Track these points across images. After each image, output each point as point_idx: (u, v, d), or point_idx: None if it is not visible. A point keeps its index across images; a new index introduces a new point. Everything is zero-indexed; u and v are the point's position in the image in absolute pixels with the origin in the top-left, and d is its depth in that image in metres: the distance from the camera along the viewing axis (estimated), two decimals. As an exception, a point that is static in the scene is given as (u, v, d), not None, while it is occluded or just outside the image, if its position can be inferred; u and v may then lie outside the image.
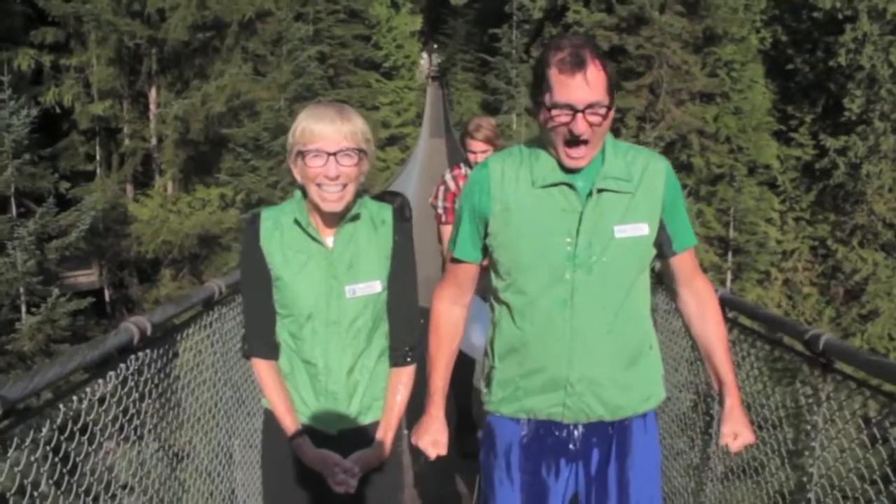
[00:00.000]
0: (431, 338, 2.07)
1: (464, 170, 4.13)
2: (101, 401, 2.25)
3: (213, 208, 15.79)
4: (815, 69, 25.54)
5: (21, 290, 10.39)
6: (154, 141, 16.88)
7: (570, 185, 1.85)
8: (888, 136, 22.92)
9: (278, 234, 2.02)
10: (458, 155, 20.78)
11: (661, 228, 1.91)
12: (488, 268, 2.02)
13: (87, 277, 16.13)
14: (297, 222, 2.01)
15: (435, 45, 55.44)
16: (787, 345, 2.48)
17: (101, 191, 15.62)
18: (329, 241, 2.01)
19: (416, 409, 2.12)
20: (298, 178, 1.98)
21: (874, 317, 22.29)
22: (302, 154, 1.92)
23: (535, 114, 1.87)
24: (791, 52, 26.31)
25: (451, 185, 4.14)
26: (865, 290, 22.66)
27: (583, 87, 1.75)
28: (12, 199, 11.39)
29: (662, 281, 2.62)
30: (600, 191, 1.84)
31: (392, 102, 34.61)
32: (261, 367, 2.08)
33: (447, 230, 4.10)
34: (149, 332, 2.25)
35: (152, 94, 16.70)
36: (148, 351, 2.31)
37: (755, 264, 24.39)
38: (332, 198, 1.92)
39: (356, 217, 2.02)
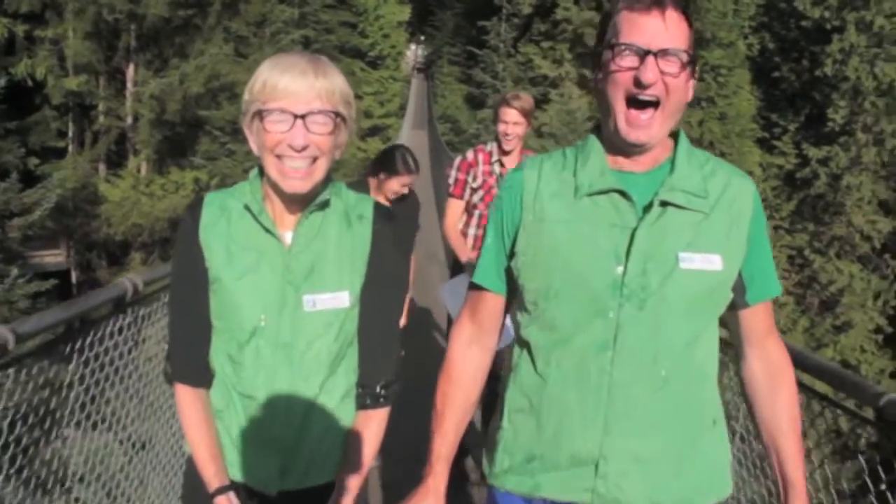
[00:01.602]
0: (440, 386, 1.59)
1: (488, 146, 3.94)
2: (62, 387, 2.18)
3: (186, 192, 15.40)
4: (801, 78, 25.57)
5: (-22, 268, 10.01)
6: (129, 120, 16.43)
7: (624, 194, 1.43)
8: (870, 149, 22.97)
9: (224, 222, 1.55)
10: (440, 148, 20.61)
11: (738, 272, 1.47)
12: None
13: (54, 258, 15.71)
14: (247, 208, 1.54)
15: (422, 37, 55.05)
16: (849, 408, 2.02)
17: (72, 169, 15.19)
18: (287, 235, 1.54)
19: (388, 468, 1.73)
20: (254, 147, 1.51)
21: (847, 328, 22.34)
22: (260, 115, 1.45)
23: (591, 80, 1.48)
24: (778, 60, 26.32)
25: (469, 155, 3.96)
26: (840, 302, 22.70)
27: (657, 27, 1.37)
28: (-26, 173, 10.98)
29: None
30: (664, 204, 1.41)
31: (376, 92, 34.24)
32: (184, 396, 1.58)
33: (452, 204, 3.97)
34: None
35: (129, 71, 16.25)
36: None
37: (733, 271, 24.36)
38: (297, 173, 1.45)
39: (325, 205, 1.55)
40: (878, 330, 21.96)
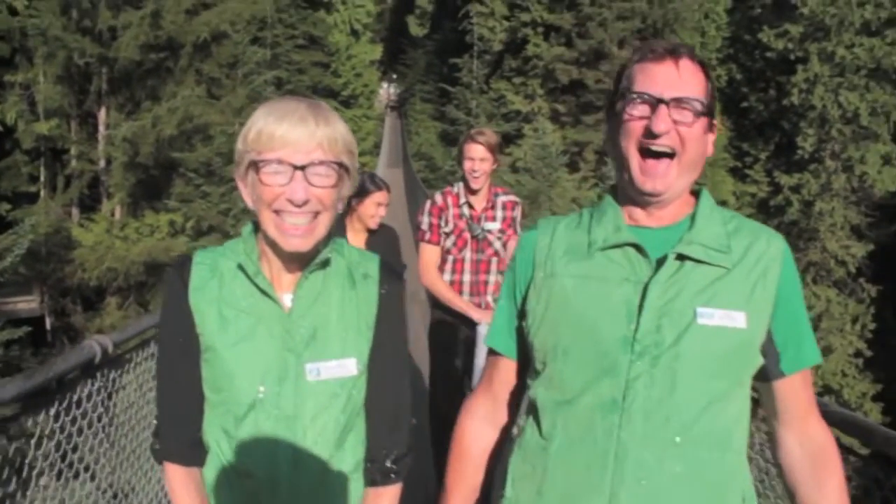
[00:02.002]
0: (450, 463, 1.51)
1: (455, 188, 3.77)
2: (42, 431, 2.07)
3: (161, 235, 15.21)
4: (769, 107, 26.07)
5: (-51, 317, 9.77)
6: (102, 163, 16.26)
7: (639, 248, 1.34)
8: (839, 175, 23.38)
9: (215, 284, 1.40)
10: (415, 185, 20.65)
11: (769, 335, 1.34)
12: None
13: (27, 304, 15.41)
14: (241, 268, 1.40)
15: (394, 75, 55.50)
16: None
17: (44, 214, 14.97)
18: (286, 298, 1.40)
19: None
20: (249, 202, 1.37)
21: (827, 353, 22.47)
22: (256, 166, 1.31)
23: (608, 128, 1.42)
24: (746, 91, 26.82)
25: (438, 199, 3.78)
26: (819, 327, 22.87)
27: (670, 75, 1.31)
28: (-56, 220, 10.77)
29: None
30: (681, 258, 1.32)
31: (350, 131, 34.32)
32: (175, 476, 1.42)
33: (425, 249, 3.77)
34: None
35: (101, 114, 16.12)
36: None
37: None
38: (297, 230, 1.32)
39: (326, 264, 1.42)
40: (857, 354, 22.14)
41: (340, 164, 1.35)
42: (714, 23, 28.63)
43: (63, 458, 2.13)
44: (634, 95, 1.33)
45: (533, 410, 1.41)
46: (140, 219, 15.83)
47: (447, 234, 3.74)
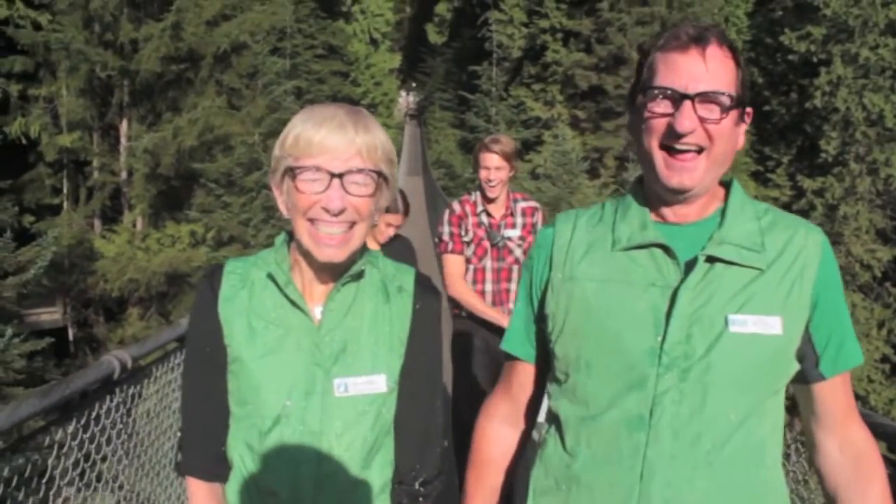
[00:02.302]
0: (470, 468, 1.45)
1: (472, 196, 3.70)
2: (61, 446, 2.06)
3: (182, 245, 15.32)
4: (791, 111, 25.80)
5: (-27, 330, 9.84)
6: (124, 175, 16.43)
7: (666, 249, 1.26)
8: (864, 178, 23.05)
9: (245, 295, 1.36)
10: (436, 193, 20.64)
11: (807, 336, 1.26)
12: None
13: (50, 316, 15.57)
14: (271, 278, 1.36)
15: (413, 84, 55.63)
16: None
17: (66, 225, 15.14)
18: (317, 310, 1.35)
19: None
20: (284, 209, 1.33)
21: (853, 359, 22.17)
22: (292, 172, 1.27)
23: (630, 122, 1.32)
24: (767, 94, 26.57)
25: (457, 207, 3.70)
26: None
27: (695, 67, 1.19)
28: (-32, 234, 10.87)
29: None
30: (711, 260, 1.24)
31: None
32: (198, 491, 1.39)
33: (449, 260, 3.68)
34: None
35: (123, 126, 16.29)
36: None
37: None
38: (332, 240, 1.27)
39: (359, 276, 1.37)
40: (884, 359, 21.78)
41: (379, 173, 1.30)
42: (735, 26, 28.43)
43: (81, 476, 2.11)
44: (656, 91, 1.22)
45: (555, 422, 1.35)
46: (161, 229, 15.96)
47: (467, 244, 3.68)
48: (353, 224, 1.29)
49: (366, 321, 1.37)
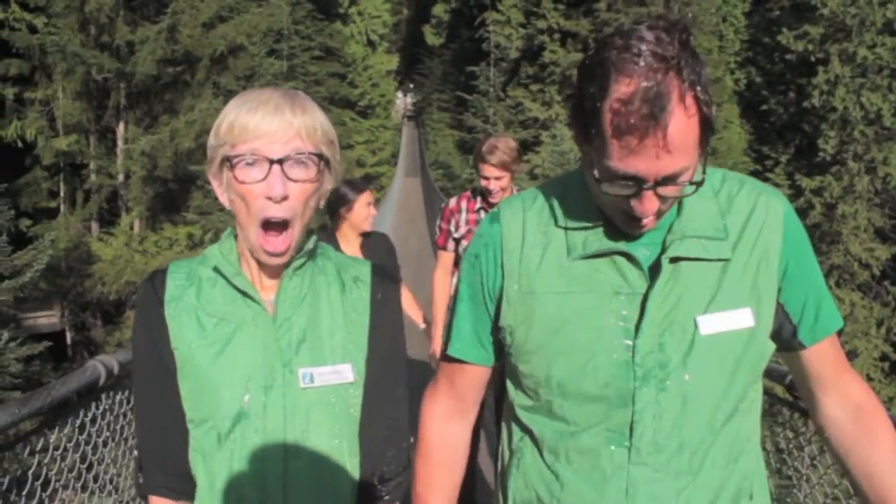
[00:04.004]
0: (419, 469, 1.36)
1: (473, 194, 3.69)
2: (57, 448, 2.00)
3: (180, 248, 15.26)
4: (789, 110, 25.81)
5: (-31, 334, 9.78)
6: (121, 177, 16.37)
7: (627, 255, 1.18)
8: (862, 177, 23.05)
9: (193, 292, 1.29)
10: (434, 194, 20.62)
11: (780, 308, 1.21)
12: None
13: (47, 319, 15.50)
14: (217, 271, 1.29)
15: (410, 85, 55.61)
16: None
17: (63, 229, 15.08)
18: (269, 297, 1.29)
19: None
20: (224, 201, 1.26)
21: (853, 357, 22.12)
22: (230, 162, 1.21)
23: (578, 146, 1.19)
24: (765, 93, 26.57)
25: (452, 202, 3.70)
26: (843, 331, 22.55)
27: (657, 154, 1.05)
28: (-37, 238, 10.82)
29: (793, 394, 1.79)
30: (674, 260, 1.17)
31: (367, 141, 34.45)
32: None
33: (439, 255, 3.72)
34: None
35: (120, 129, 16.23)
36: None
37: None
38: (277, 249, 1.23)
39: (311, 257, 1.32)
40: (883, 357, 21.78)
41: (320, 156, 1.23)
42: (732, 26, 28.43)
43: (66, 487, 2.04)
44: (612, 175, 1.10)
45: (529, 435, 1.29)
46: (159, 232, 15.90)
47: (457, 240, 3.66)
48: (287, 224, 1.23)
49: (323, 310, 1.31)
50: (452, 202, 3.69)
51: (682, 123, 1.04)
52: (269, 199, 1.19)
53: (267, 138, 1.18)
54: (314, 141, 1.22)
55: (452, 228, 3.66)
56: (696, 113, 1.06)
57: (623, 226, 1.17)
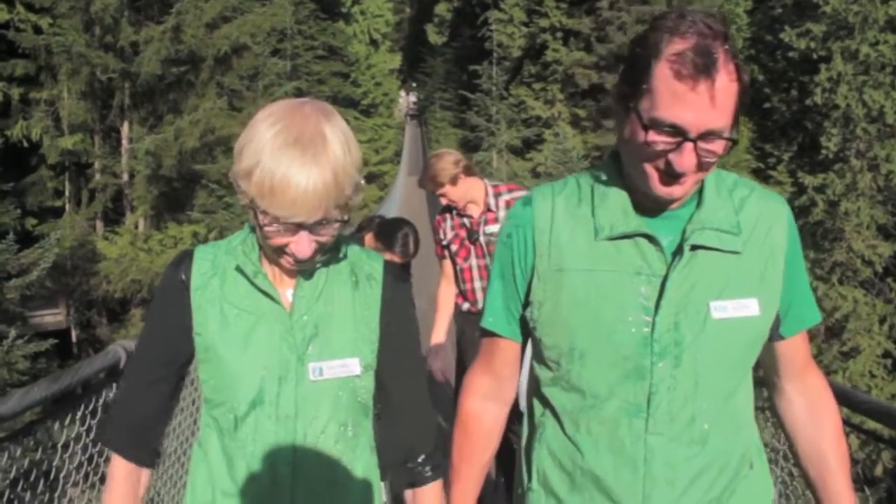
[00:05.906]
0: (456, 441, 1.48)
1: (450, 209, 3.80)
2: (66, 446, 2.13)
3: (185, 246, 15.33)
4: (792, 108, 25.80)
5: (-24, 331, 9.88)
6: (125, 177, 16.46)
7: (651, 238, 1.29)
8: (864, 174, 23.05)
9: (217, 282, 1.37)
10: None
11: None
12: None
13: (53, 317, 15.59)
14: (240, 270, 1.37)
15: (413, 84, 55.66)
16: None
17: (69, 227, 15.16)
18: (287, 295, 1.37)
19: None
20: (244, 201, 1.31)
21: (855, 354, 22.15)
22: (257, 210, 1.25)
23: (618, 117, 1.29)
24: (768, 91, 26.57)
25: (439, 215, 3.88)
26: (846, 328, 22.55)
27: (704, 105, 1.15)
28: (-30, 237, 10.91)
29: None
30: (694, 248, 1.28)
31: (370, 140, 34.55)
32: (118, 469, 1.39)
33: (442, 266, 3.86)
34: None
35: (124, 128, 16.31)
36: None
37: (736, 302, 24.24)
38: (301, 267, 1.32)
39: (328, 262, 1.39)
40: (886, 354, 21.79)
41: (347, 206, 1.28)
42: (734, 24, 28.43)
43: (90, 460, 2.17)
44: (657, 126, 1.19)
45: (550, 409, 1.39)
46: (163, 231, 15.98)
47: (445, 247, 3.81)
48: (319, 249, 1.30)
49: (336, 306, 1.38)
50: (439, 213, 3.86)
51: (726, 82, 1.16)
52: (295, 255, 1.27)
53: (297, 209, 1.21)
54: (342, 197, 1.25)
55: (441, 236, 3.81)
56: (738, 80, 1.18)
57: (656, 190, 1.24)
